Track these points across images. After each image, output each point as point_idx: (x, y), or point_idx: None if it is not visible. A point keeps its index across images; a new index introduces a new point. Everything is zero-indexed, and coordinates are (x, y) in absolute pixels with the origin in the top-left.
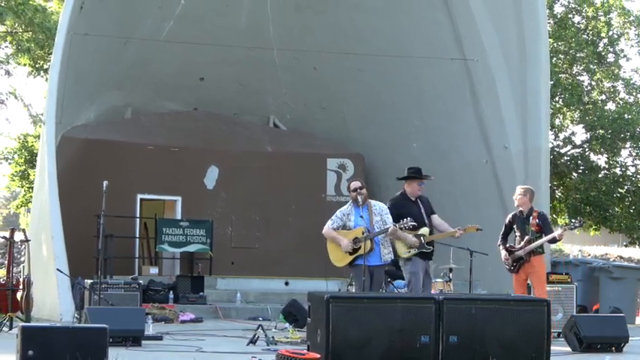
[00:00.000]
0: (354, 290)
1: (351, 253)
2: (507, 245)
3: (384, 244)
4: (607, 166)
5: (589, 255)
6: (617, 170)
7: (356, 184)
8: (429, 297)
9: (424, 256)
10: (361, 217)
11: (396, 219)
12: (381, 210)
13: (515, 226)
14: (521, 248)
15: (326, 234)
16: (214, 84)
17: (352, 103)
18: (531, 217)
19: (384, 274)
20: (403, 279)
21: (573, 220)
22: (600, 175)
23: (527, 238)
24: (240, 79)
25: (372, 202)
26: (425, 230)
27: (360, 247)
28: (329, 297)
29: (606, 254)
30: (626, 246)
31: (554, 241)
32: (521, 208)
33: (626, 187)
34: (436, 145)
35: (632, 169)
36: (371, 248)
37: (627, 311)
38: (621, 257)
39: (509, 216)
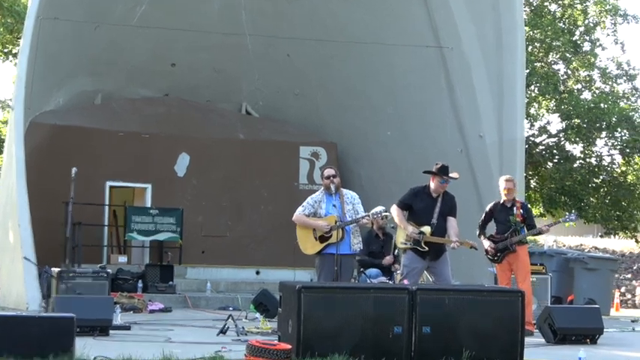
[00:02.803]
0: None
1: (321, 241)
2: (488, 235)
3: (354, 234)
4: (582, 156)
5: (564, 246)
6: (593, 160)
7: (329, 171)
8: (402, 287)
9: (423, 255)
10: (334, 205)
11: (403, 207)
12: (352, 199)
13: (497, 217)
14: (506, 238)
15: (297, 220)
16: (186, 70)
17: (326, 90)
18: (515, 208)
19: (354, 264)
20: (377, 267)
21: (568, 214)
22: (575, 165)
23: (512, 228)
24: (213, 65)
25: (344, 190)
26: (426, 229)
27: (330, 236)
28: (300, 287)
29: (581, 245)
30: (601, 237)
31: (539, 234)
32: (506, 199)
33: (601, 177)
34: (410, 134)
35: (608, 159)
36: (342, 237)
37: (602, 302)
38: (596, 248)
39: (490, 206)
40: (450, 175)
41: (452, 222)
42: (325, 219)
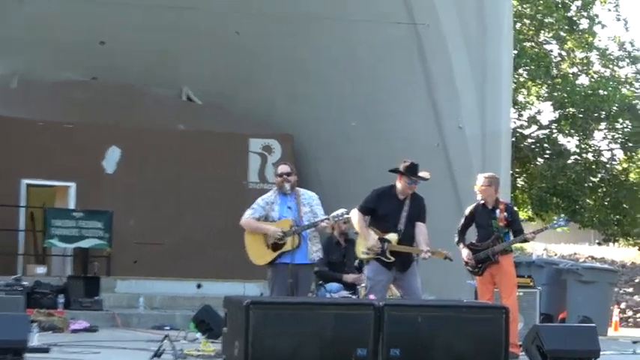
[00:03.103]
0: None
1: (273, 249)
2: (468, 243)
3: (312, 241)
4: (578, 151)
5: (555, 255)
6: (590, 155)
7: (284, 168)
8: (367, 303)
9: (388, 266)
10: (289, 207)
11: (365, 211)
12: (310, 199)
13: (477, 221)
14: (487, 247)
15: (245, 224)
16: (117, 49)
17: (280, 74)
18: (498, 211)
19: (311, 276)
20: (338, 281)
21: (557, 218)
22: (570, 161)
23: (495, 235)
24: (149, 44)
25: (301, 190)
26: (392, 237)
27: (285, 243)
28: (249, 302)
29: (575, 254)
30: (599, 244)
31: (525, 241)
32: (484, 200)
33: (599, 176)
34: (379, 125)
35: (607, 155)
36: (298, 244)
37: (599, 321)
38: (593, 258)
39: (470, 208)
40: (420, 174)
41: (421, 228)
42: (278, 223)
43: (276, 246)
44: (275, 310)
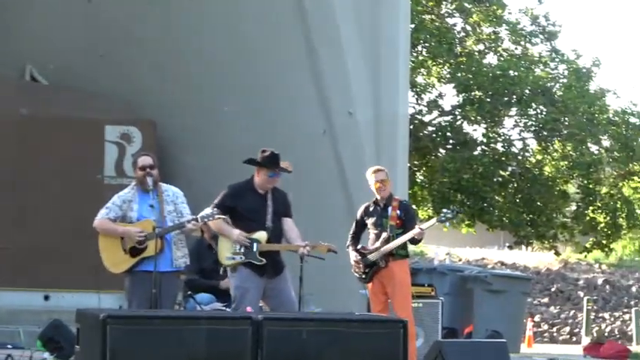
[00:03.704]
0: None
1: (132, 255)
2: (359, 247)
3: (177, 245)
4: (485, 141)
5: (460, 260)
6: (499, 146)
7: (145, 160)
8: (244, 316)
9: (260, 271)
10: (151, 206)
11: (223, 210)
12: (175, 197)
13: (369, 222)
14: (375, 249)
15: (99, 226)
16: None
17: (141, 50)
18: (390, 208)
19: (177, 285)
20: (212, 290)
21: (446, 210)
22: (476, 153)
23: (384, 235)
24: None
25: (165, 186)
26: (261, 236)
27: (146, 247)
28: (106, 316)
29: (483, 259)
30: (509, 248)
31: (413, 241)
32: (379, 197)
33: (510, 169)
34: (256, 110)
35: (519, 145)
36: (161, 249)
37: (510, 336)
38: (503, 263)
39: (361, 209)
40: (282, 165)
41: (290, 223)
42: (138, 224)
43: (135, 251)
44: (137, 325)
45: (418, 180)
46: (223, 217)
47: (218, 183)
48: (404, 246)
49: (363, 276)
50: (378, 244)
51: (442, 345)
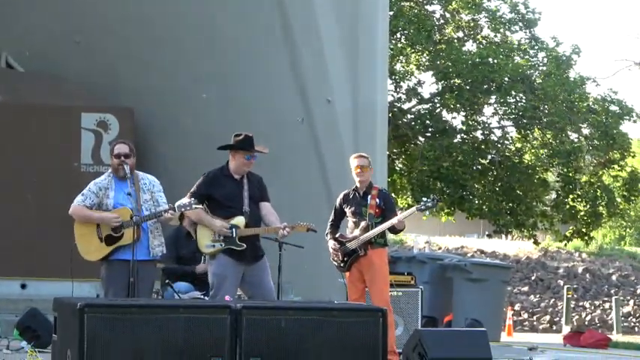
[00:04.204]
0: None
1: (108, 243)
2: (337, 235)
3: (154, 233)
4: (465, 128)
5: (439, 248)
6: (479, 134)
7: (122, 148)
8: (222, 305)
9: (239, 257)
10: (128, 194)
11: (198, 198)
12: (151, 185)
13: (348, 210)
14: (354, 238)
15: (75, 213)
16: None
17: (118, 36)
18: (370, 197)
19: (155, 273)
20: (190, 276)
21: (426, 199)
22: (456, 140)
23: (363, 224)
24: None
25: (141, 174)
26: (239, 221)
27: (122, 235)
28: (83, 305)
29: (463, 247)
30: (489, 236)
31: (394, 230)
32: (359, 184)
33: (489, 157)
34: (234, 98)
35: (498, 133)
36: (137, 237)
37: (490, 324)
38: (482, 252)
39: (340, 197)
40: (257, 148)
41: (268, 207)
42: (115, 212)
43: (110, 239)
44: (114, 313)
45: (397, 168)
46: (200, 206)
47: (195, 171)
48: (382, 234)
49: (342, 264)
50: (356, 232)
51: (422, 334)
